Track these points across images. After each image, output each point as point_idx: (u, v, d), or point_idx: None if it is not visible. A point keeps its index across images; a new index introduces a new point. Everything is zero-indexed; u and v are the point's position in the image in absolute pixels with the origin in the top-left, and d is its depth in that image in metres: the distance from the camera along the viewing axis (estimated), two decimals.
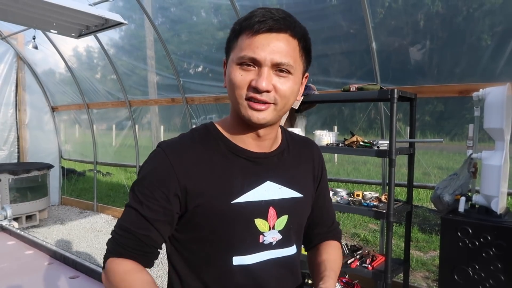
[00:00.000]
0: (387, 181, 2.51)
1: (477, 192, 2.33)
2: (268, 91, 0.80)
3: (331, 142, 2.81)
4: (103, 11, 2.83)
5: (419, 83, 3.06)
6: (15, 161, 6.31)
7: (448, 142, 3.22)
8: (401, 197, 3.95)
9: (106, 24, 3.03)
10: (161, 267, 3.88)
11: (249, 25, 0.79)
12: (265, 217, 0.88)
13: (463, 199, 2.28)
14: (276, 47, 0.79)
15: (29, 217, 5.47)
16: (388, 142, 2.44)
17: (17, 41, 6.06)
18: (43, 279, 1.70)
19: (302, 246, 1.07)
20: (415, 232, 4.92)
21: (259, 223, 0.87)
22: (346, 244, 2.87)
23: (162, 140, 0.91)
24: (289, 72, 0.81)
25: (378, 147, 2.53)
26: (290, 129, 1.14)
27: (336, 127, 3.80)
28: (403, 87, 2.94)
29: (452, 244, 2.18)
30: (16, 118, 6.29)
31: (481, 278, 2.09)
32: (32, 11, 2.76)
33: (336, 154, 6.38)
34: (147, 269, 0.87)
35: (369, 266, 2.56)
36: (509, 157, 2.18)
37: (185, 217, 0.86)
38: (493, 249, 2.05)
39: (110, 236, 0.87)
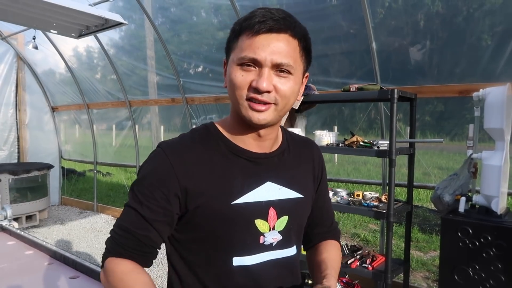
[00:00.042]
0: (387, 181, 2.51)
1: (477, 192, 2.33)
2: (268, 92, 0.80)
3: (331, 142, 2.81)
4: (103, 11, 2.83)
5: (419, 83, 3.06)
6: (15, 161, 6.32)
7: (448, 142, 3.22)
8: (401, 197, 3.95)
9: (106, 24, 3.03)
10: (161, 267, 3.88)
11: (250, 25, 0.79)
12: (265, 217, 0.88)
13: (463, 199, 2.28)
14: (277, 47, 0.79)
15: (29, 217, 5.47)
16: (388, 142, 2.44)
17: (17, 41, 6.06)
18: (43, 279, 1.70)
19: (302, 246, 1.07)
20: (415, 232, 4.92)
21: (260, 223, 0.87)
22: (346, 244, 2.87)
23: (162, 140, 0.91)
24: (289, 73, 0.81)
25: (378, 147, 2.52)
26: (290, 129, 1.14)
27: (336, 127, 3.80)
28: (403, 87, 2.94)
29: (452, 244, 2.17)
30: (16, 118, 6.29)
31: (481, 278, 2.08)
32: (32, 11, 2.76)
33: (336, 154, 6.39)
34: (146, 268, 0.87)
35: (369, 266, 2.56)
36: (509, 157, 2.18)
37: (185, 217, 0.86)
38: (493, 249, 2.05)
39: (109, 235, 0.87)
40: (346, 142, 2.72)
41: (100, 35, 4.94)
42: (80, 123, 6.45)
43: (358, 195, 2.83)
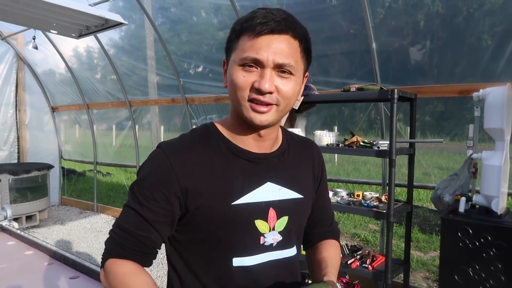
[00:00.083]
0: (387, 181, 2.51)
1: (477, 192, 2.33)
2: (271, 93, 0.80)
3: (331, 142, 2.81)
4: (103, 11, 2.83)
5: (419, 83, 3.06)
6: (15, 161, 6.32)
7: (448, 142, 3.22)
8: (401, 197, 3.95)
9: (106, 24, 3.04)
10: (161, 267, 3.88)
11: (251, 26, 0.79)
12: (265, 218, 0.88)
13: (463, 199, 2.28)
14: (278, 48, 0.79)
15: (29, 218, 5.46)
16: (388, 142, 2.44)
17: (17, 41, 6.06)
18: (43, 279, 1.70)
19: (301, 246, 1.07)
20: (415, 233, 4.92)
21: (260, 224, 0.87)
22: (346, 244, 2.87)
23: (162, 140, 0.91)
24: (291, 73, 0.82)
25: (378, 147, 2.52)
26: (290, 129, 1.14)
27: (336, 127, 3.80)
28: (403, 87, 2.94)
29: (453, 245, 2.17)
30: (16, 119, 6.29)
31: (481, 278, 2.08)
32: (32, 11, 2.76)
33: (336, 155, 6.39)
34: (146, 268, 0.87)
35: (369, 266, 2.56)
36: (510, 157, 2.18)
37: (185, 218, 0.86)
38: (493, 250, 2.05)
39: (108, 236, 0.87)
40: (346, 142, 2.72)
41: (100, 35, 4.94)
42: (80, 123, 6.45)
43: (358, 195, 2.83)
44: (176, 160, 0.84)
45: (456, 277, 2.16)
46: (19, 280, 1.67)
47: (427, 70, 3.11)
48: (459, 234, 2.14)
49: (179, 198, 0.84)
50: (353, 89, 2.67)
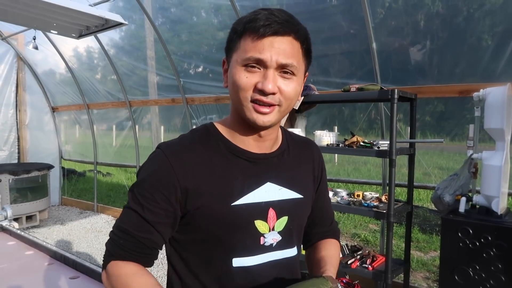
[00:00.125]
0: (388, 182, 2.51)
1: (478, 192, 2.33)
2: (273, 93, 0.80)
3: (331, 143, 2.81)
4: (103, 12, 2.84)
5: (419, 83, 3.06)
6: (16, 161, 6.32)
7: (448, 143, 3.22)
8: (402, 197, 3.95)
9: (106, 25, 3.04)
10: (161, 267, 3.88)
11: (255, 28, 0.79)
12: (265, 218, 0.88)
13: (463, 199, 2.28)
14: (281, 49, 0.79)
15: (29, 218, 5.47)
16: (388, 142, 2.44)
17: (17, 42, 6.07)
18: (43, 279, 1.70)
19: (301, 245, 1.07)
20: (416, 233, 4.92)
21: (259, 224, 0.87)
22: (347, 244, 2.87)
23: (162, 140, 0.91)
24: (293, 74, 0.82)
25: (378, 147, 2.52)
26: (290, 130, 1.14)
27: (336, 128, 3.80)
28: (404, 87, 2.94)
29: (453, 245, 2.17)
30: (17, 119, 6.29)
31: (481, 278, 2.08)
32: (32, 12, 2.76)
33: (336, 155, 6.39)
34: (148, 268, 0.87)
35: (370, 266, 2.56)
36: (510, 157, 2.18)
37: (185, 218, 0.86)
38: (494, 250, 2.05)
39: (109, 237, 0.87)
40: (346, 142, 2.72)
41: (100, 35, 4.94)
42: (80, 123, 6.45)
43: (358, 195, 2.83)
44: (176, 160, 0.84)
45: (456, 277, 2.16)
46: (19, 280, 1.68)
47: (427, 70, 3.11)
48: (459, 234, 2.14)
49: (180, 199, 0.83)
50: (353, 89, 2.67)
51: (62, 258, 1.87)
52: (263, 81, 0.79)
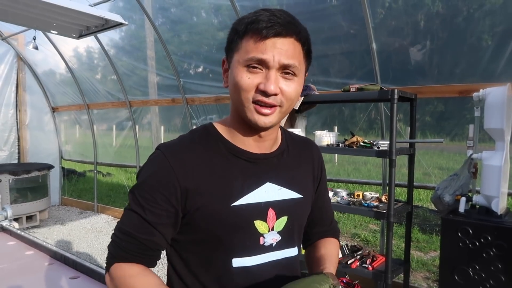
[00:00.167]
0: (388, 182, 2.51)
1: (478, 192, 2.33)
2: (275, 94, 0.81)
3: (331, 143, 2.81)
4: (103, 12, 2.84)
5: (419, 84, 3.06)
6: (16, 161, 6.32)
7: (448, 143, 3.22)
8: (402, 197, 3.95)
9: (106, 25, 3.04)
10: (161, 267, 3.88)
11: (257, 29, 0.79)
12: (264, 218, 0.88)
13: (463, 199, 2.28)
14: (284, 50, 0.80)
15: (29, 218, 5.47)
16: (388, 142, 2.44)
17: (17, 42, 6.07)
18: (44, 279, 1.70)
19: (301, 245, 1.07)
20: (416, 233, 4.92)
21: (259, 224, 0.87)
22: (347, 244, 2.87)
23: (162, 140, 0.91)
24: (294, 74, 0.82)
25: (378, 147, 2.53)
26: (290, 130, 1.14)
27: (336, 128, 3.80)
28: (403, 88, 2.94)
29: (453, 245, 2.17)
30: (17, 119, 6.30)
31: (481, 278, 2.08)
32: (33, 12, 2.76)
33: (336, 155, 6.39)
34: (151, 268, 0.87)
35: (370, 266, 2.56)
36: (510, 157, 2.18)
37: (185, 218, 0.86)
38: (494, 250, 2.05)
39: (111, 240, 0.87)
40: (346, 143, 2.72)
41: (100, 35, 4.94)
42: (81, 123, 6.45)
43: (358, 195, 2.83)
44: (176, 161, 0.84)
45: (456, 277, 2.16)
46: (19, 280, 1.68)
47: (427, 70, 3.11)
48: (459, 234, 2.14)
49: (180, 199, 0.83)
50: (353, 89, 2.67)
51: (62, 258, 1.87)
52: (265, 82, 0.79)
